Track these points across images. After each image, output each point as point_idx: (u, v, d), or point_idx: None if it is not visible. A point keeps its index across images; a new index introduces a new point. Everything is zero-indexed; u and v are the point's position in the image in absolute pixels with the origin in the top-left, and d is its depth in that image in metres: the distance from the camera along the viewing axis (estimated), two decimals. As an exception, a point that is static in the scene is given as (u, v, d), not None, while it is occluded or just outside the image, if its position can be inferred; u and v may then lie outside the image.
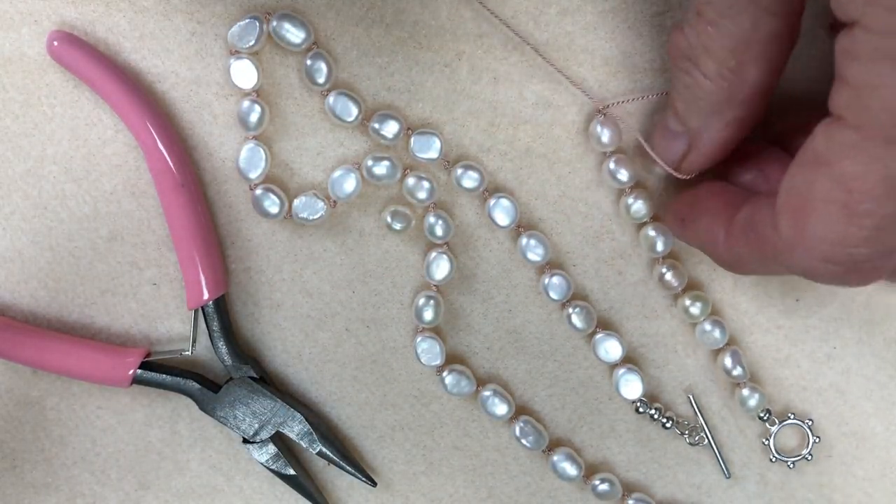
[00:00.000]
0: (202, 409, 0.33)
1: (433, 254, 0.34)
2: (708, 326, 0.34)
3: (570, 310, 0.34)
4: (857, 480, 0.36)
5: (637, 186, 0.33)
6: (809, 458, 0.35)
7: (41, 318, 0.34)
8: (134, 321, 0.34)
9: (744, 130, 0.29)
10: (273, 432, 0.34)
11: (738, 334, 0.35)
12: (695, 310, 0.34)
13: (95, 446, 0.35)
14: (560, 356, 0.35)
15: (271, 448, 0.34)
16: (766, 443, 0.35)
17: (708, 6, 0.27)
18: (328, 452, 0.34)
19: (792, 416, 0.35)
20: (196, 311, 0.33)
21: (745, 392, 0.34)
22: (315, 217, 0.33)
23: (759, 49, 0.27)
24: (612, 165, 0.33)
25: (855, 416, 0.35)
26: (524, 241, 0.34)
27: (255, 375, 0.34)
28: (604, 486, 0.35)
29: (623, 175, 0.33)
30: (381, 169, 0.33)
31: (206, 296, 0.33)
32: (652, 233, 0.33)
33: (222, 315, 0.33)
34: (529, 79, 0.33)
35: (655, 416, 0.35)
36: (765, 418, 0.34)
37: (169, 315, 0.34)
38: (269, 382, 0.35)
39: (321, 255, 0.34)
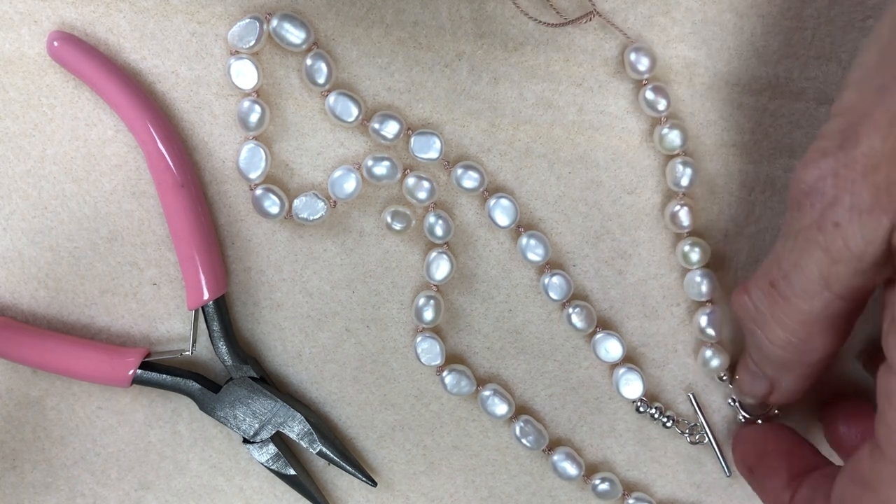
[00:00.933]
0: (202, 409, 0.33)
1: (433, 254, 0.34)
2: (697, 277, 0.34)
3: (571, 310, 0.34)
4: (856, 480, 0.36)
5: (672, 116, 0.33)
6: (776, 412, 0.35)
7: (41, 318, 0.34)
8: (134, 321, 0.34)
9: (819, 374, 0.30)
10: (273, 432, 0.34)
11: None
12: (693, 255, 0.34)
13: (96, 446, 0.35)
14: (560, 356, 0.35)
15: (271, 448, 0.34)
16: (733, 404, 0.35)
17: (784, 282, 0.27)
18: (328, 452, 0.34)
19: None
20: (196, 312, 0.33)
21: (709, 353, 0.34)
22: (315, 217, 0.33)
23: (826, 324, 0.28)
24: (648, 94, 0.33)
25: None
26: (524, 241, 0.34)
27: (255, 375, 0.34)
28: (604, 486, 0.35)
29: (661, 104, 0.33)
30: (381, 169, 0.33)
31: (206, 296, 0.33)
32: (680, 167, 0.33)
33: (222, 315, 0.33)
34: (529, 79, 0.33)
35: (656, 416, 0.35)
36: (725, 379, 0.35)
37: (169, 315, 0.34)
38: (269, 382, 0.35)
39: (321, 255, 0.34)
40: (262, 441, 0.34)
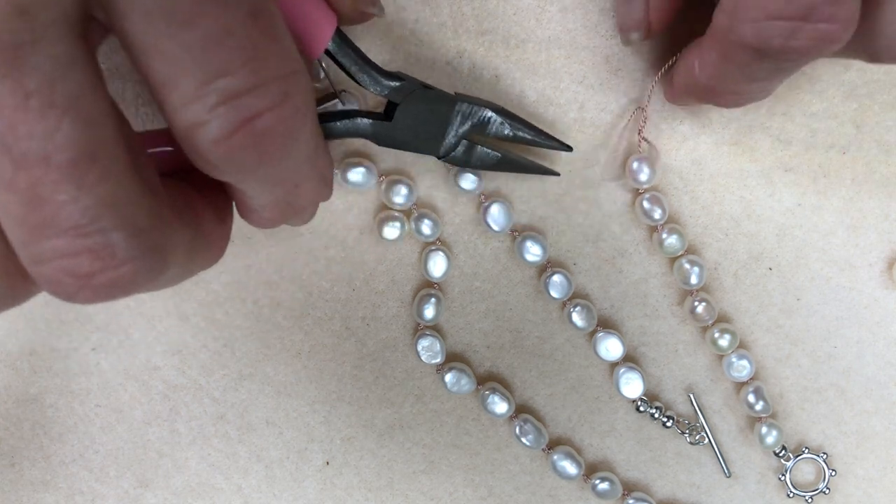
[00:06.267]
0: (379, 143, 0.30)
1: (428, 251, 0.34)
2: (735, 359, 0.34)
3: (571, 308, 0.34)
4: (857, 480, 0.36)
5: (670, 221, 0.34)
6: (826, 491, 0.35)
7: (38, 315, 0.34)
8: (132, 319, 0.34)
9: None
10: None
11: (740, 334, 0.35)
12: (723, 342, 0.34)
13: (94, 444, 0.35)
14: (560, 355, 0.35)
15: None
16: (782, 479, 0.35)
17: None
18: (522, 133, 0.31)
19: (806, 451, 0.35)
20: (320, 59, 0.29)
21: (764, 429, 0.34)
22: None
23: None
24: (645, 204, 0.33)
25: (855, 416, 0.35)
26: (525, 239, 0.34)
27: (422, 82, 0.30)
28: (604, 485, 0.35)
29: (657, 213, 0.33)
30: (356, 176, 0.32)
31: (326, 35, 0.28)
32: (686, 265, 0.34)
33: (350, 44, 0.29)
34: (531, 77, 0.33)
35: (656, 415, 0.35)
36: (780, 454, 0.35)
37: (167, 314, 0.34)
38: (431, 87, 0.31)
39: (321, 253, 0.34)
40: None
